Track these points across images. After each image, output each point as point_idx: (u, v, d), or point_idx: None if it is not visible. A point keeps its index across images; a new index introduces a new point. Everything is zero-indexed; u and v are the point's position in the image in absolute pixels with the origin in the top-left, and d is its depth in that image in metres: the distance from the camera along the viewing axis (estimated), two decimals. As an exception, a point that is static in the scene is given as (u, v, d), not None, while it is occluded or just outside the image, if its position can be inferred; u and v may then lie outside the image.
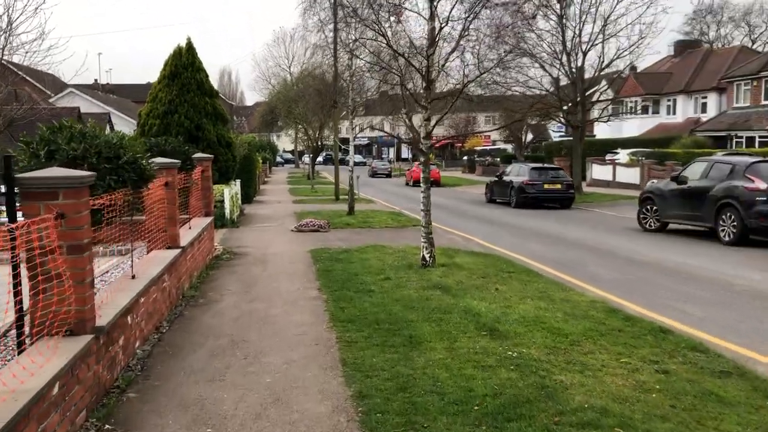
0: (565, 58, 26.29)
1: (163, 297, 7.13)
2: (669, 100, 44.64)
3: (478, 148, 64.88)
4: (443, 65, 9.62)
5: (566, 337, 6.33)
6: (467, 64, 9.49)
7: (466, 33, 9.35)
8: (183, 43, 18.81)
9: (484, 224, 18.19)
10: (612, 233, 15.71)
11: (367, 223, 17.38)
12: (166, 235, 8.13)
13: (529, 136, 53.28)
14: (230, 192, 17.51)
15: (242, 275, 10.08)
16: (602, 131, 45.37)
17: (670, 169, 28.53)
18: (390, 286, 8.74)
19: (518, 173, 23.77)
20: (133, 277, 6.38)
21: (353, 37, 10.63)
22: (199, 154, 11.76)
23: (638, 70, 47.04)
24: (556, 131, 56.91)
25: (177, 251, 8.10)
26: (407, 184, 42.91)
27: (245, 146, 23.23)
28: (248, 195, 25.82)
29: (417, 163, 45.09)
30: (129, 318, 5.65)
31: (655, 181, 20.16)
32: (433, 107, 9.63)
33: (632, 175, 30.55)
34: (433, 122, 9.87)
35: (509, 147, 60.94)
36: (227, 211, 16.96)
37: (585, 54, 26.46)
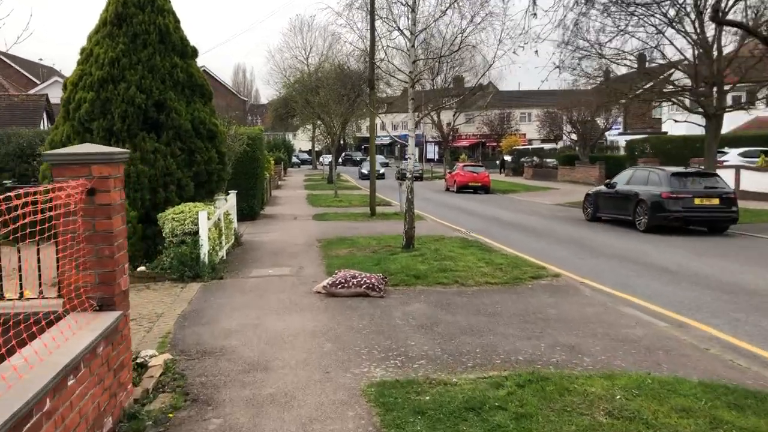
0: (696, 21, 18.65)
1: None
2: (769, 90, 36.38)
3: (520, 147, 56.99)
4: None
5: None
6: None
7: None
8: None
9: (641, 271, 10.63)
10: None
11: (449, 273, 9.73)
12: None
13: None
14: (212, 217, 10.10)
15: None
16: (677, 128, 37.13)
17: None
18: None
19: (647, 181, 16.04)
20: None
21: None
22: (64, 150, 4.32)
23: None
24: (613, 129, 48.96)
25: None
26: (448, 189, 35.41)
27: (243, 140, 15.74)
28: (252, 209, 18.46)
29: (461, 164, 37.48)
30: None
31: None
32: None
33: (770, 183, 22.82)
34: None
35: (552, 146, 53.09)
36: (203, 252, 9.52)
37: (726, 13, 18.78)
